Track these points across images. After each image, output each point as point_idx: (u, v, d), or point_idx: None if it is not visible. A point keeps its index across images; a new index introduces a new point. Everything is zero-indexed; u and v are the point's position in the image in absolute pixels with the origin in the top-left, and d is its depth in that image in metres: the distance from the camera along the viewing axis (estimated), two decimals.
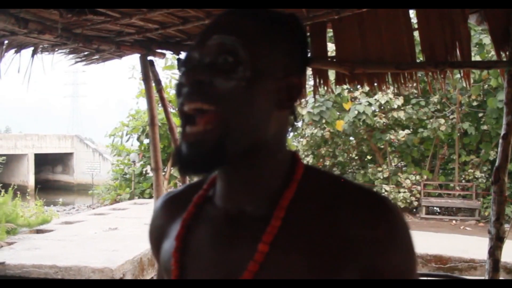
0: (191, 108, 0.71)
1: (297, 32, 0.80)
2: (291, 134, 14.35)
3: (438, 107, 12.72)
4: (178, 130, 3.21)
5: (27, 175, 25.89)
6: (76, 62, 3.16)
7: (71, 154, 28.34)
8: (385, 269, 0.71)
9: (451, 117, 12.49)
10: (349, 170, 14.55)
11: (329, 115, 12.13)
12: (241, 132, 0.71)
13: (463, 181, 12.82)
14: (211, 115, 0.70)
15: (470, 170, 12.64)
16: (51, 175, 29.41)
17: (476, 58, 9.66)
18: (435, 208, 13.09)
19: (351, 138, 13.86)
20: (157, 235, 0.90)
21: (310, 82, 4.96)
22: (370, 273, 0.70)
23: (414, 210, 12.92)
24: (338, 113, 12.73)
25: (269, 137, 0.76)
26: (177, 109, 0.74)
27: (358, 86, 10.86)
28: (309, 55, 0.82)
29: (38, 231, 7.45)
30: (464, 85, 2.93)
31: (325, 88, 3.05)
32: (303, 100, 3.41)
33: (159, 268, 0.93)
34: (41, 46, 2.79)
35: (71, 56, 3.06)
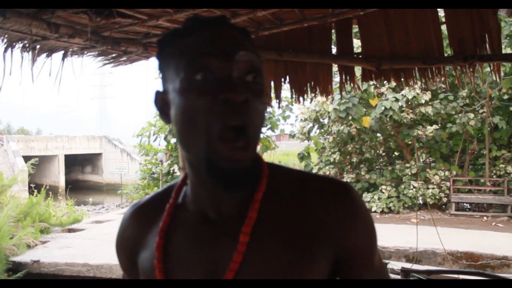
0: (236, 126, 0.72)
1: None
2: (317, 131, 14.28)
3: (467, 101, 12.45)
4: None
5: (58, 175, 26.52)
6: (104, 64, 3.22)
7: (100, 154, 28.89)
8: (354, 240, 0.80)
9: (480, 111, 12.20)
10: (377, 167, 14.38)
11: (356, 112, 12.00)
12: (256, 149, 0.77)
13: (494, 176, 12.51)
14: (251, 135, 0.73)
15: (501, 165, 12.33)
16: (81, 175, 30.04)
17: (507, 50, 9.42)
18: (465, 204, 12.83)
19: (378, 134, 13.69)
20: (130, 246, 0.93)
21: (336, 79, 4.93)
22: (341, 245, 0.79)
23: (444, 206, 12.69)
24: (364, 110, 12.58)
25: None
26: (220, 121, 0.72)
27: (385, 82, 10.74)
28: None
29: (70, 230, 7.62)
30: (495, 78, 2.86)
31: (352, 84, 3.03)
32: (329, 97, 3.37)
33: (127, 276, 0.98)
34: (70, 49, 2.85)
35: (99, 58, 3.12)
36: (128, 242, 0.94)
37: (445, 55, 2.77)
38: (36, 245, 6.26)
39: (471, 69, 2.65)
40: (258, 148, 0.80)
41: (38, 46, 2.62)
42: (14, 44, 2.50)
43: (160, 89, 0.83)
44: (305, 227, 0.78)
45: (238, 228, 0.78)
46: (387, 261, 5.47)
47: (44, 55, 2.73)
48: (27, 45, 2.55)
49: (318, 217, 0.79)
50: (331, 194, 0.81)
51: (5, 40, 2.46)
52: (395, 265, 5.24)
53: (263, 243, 0.77)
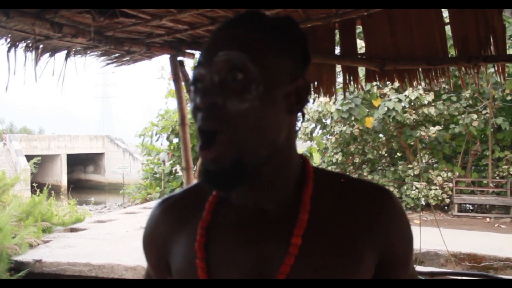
0: (209, 130, 0.72)
1: (295, 33, 0.80)
2: (320, 132, 14.28)
3: (470, 102, 12.42)
4: None
5: (60, 175, 26.56)
6: (107, 64, 3.22)
7: (102, 154, 28.92)
8: (396, 244, 0.82)
9: (483, 112, 12.16)
10: (379, 167, 14.37)
11: (358, 112, 11.99)
12: (257, 147, 0.73)
13: (497, 177, 12.48)
14: (225, 137, 0.71)
15: (504, 167, 12.30)
16: (83, 175, 30.08)
17: (511, 51, 9.39)
18: (467, 205, 12.80)
19: (381, 135, 13.67)
20: (161, 242, 0.89)
21: (339, 79, 4.92)
22: (385, 249, 0.80)
23: (446, 207, 12.66)
24: (367, 110, 12.56)
25: (282, 142, 0.78)
26: (196, 129, 0.75)
27: (388, 83, 10.72)
28: (309, 54, 0.82)
29: (72, 230, 7.63)
30: (499, 79, 2.85)
31: (355, 85, 3.02)
32: (332, 97, 3.36)
33: (154, 273, 0.96)
34: (74, 49, 2.85)
35: (102, 58, 3.12)
36: (159, 239, 0.90)
37: (449, 55, 2.76)
38: (38, 244, 6.27)
39: (475, 70, 2.64)
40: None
41: (41, 46, 2.62)
42: (17, 43, 2.50)
43: None
44: (352, 230, 0.78)
45: (288, 229, 0.77)
46: None
47: (47, 54, 2.73)
48: (30, 44, 2.55)
49: (363, 220, 0.79)
50: (375, 199, 0.82)
51: (8, 40, 2.46)
52: None
53: (313, 246, 0.76)
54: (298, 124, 0.82)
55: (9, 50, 2.47)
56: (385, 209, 0.81)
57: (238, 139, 0.71)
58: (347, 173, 13.54)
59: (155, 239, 0.92)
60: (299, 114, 0.81)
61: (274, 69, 0.74)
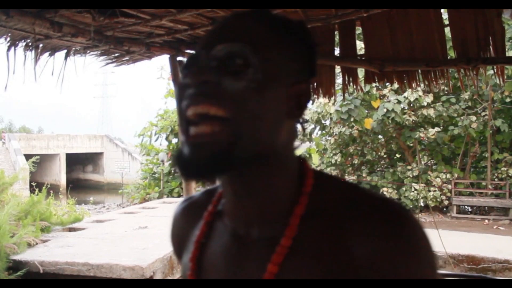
0: (196, 113, 0.65)
1: (304, 38, 0.76)
2: (319, 132, 14.29)
3: (469, 104, 12.45)
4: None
5: (59, 174, 26.57)
6: (107, 63, 3.22)
7: (101, 153, 28.93)
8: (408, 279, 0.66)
9: (482, 114, 12.19)
10: (378, 169, 14.39)
11: (358, 113, 12.01)
12: (251, 139, 0.66)
13: (496, 179, 12.51)
14: (218, 122, 0.64)
15: (503, 168, 12.33)
16: (82, 174, 30.09)
17: (510, 53, 9.40)
18: (466, 207, 12.83)
19: (380, 136, 13.70)
20: (178, 242, 0.91)
21: (338, 80, 4.92)
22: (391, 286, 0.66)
23: (445, 209, 12.69)
24: (366, 111, 12.59)
25: (278, 147, 0.71)
26: (178, 113, 0.69)
27: (387, 84, 10.75)
28: (316, 62, 0.78)
29: (71, 229, 7.62)
30: (498, 81, 2.85)
31: (354, 86, 3.02)
32: (331, 98, 3.35)
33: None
34: (73, 48, 2.85)
35: (102, 57, 3.12)
36: (176, 238, 0.93)
37: (449, 57, 2.76)
38: (37, 243, 6.26)
39: (474, 72, 2.64)
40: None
41: (41, 45, 2.62)
42: (17, 42, 2.50)
43: None
44: (343, 262, 0.66)
45: (269, 253, 0.70)
46: None
47: (47, 54, 2.73)
48: (30, 44, 2.54)
49: (363, 253, 0.66)
50: (382, 225, 0.66)
51: (8, 39, 2.46)
52: None
53: (293, 275, 0.68)
54: (298, 133, 0.76)
55: (8, 49, 2.47)
56: (398, 241, 0.65)
57: (231, 125, 0.64)
58: (346, 174, 13.54)
59: (174, 238, 0.94)
60: (299, 123, 0.76)
61: (275, 64, 0.69)
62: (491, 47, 2.54)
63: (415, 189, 12.22)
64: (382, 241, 0.65)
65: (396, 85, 2.99)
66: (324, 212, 0.71)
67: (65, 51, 2.82)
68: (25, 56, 2.56)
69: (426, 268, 0.67)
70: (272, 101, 0.68)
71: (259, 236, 0.73)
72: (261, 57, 0.67)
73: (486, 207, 12.22)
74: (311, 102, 0.78)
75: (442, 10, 2.74)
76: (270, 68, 0.68)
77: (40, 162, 12.12)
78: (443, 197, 12.29)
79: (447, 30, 2.69)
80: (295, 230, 0.69)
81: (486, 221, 11.35)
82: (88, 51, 2.93)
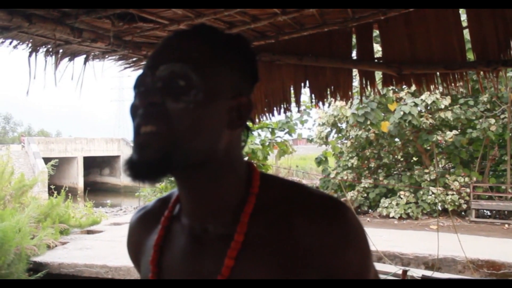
0: (145, 132, 0.73)
1: (244, 51, 0.82)
2: (335, 136, 14.23)
3: (488, 106, 12.27)
4: None
5: (76, 177, 26.86)
6: (125, 68, 3.26)
7: (117, 157, 29.18)
8: (344, 267, 0.76)
9: (502, 116, 12.01)
10: (395, 172, 14.26)
11: (374, 116, 11.92)
12: (186, 149, 0.73)
13: None
14: (160, 132, 0.72)
15: None
16: (99, 177, 30.38)
17: None
18: (485, 211, 12.63)
19: (397, 139, 13.57)
20: (134, 250, 0.95)
21: (354, 83, 4.91)
22: (331, 272, 0.75)
23: (463, 213, 12.51)
24: (383, 114, 12.49)
25: (220, 153, 0.78)
26: (132, 128, 0.76)
27: (404, 87, 10.65)
28: (257, 73, 0.84)
29: (89, 232, 7.70)
30: None
31: (372, 89, 3.01)
32: (348, 101, 3.35)
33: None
34: (92, 53, 2.89)
35: (120, 62, 3.16)
36: (132, 247, 0.96)
37: (467, 59, 2.73)
38: (56, 246, 6.34)
39: (494, 74, 2.61)
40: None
41: (61, 50, 2.66)
42: (38, 48, 2.55)
43: None
44: (293, 252, 0.75)
45: (224, 249, 0.77)
46: (407, 268, 5.40)
47: (66, 59, 2.77)
48: (50, 49, 2.59)
49: (307, 241, 0.75)
50: (321, 216, 0.76)
51: (29, 45, 2.51)
52: (415, 272, 5.18)
53: (248, 268, 0.75)
54: (243, 139, 0.83)
55: (30, 55, 2.52)
56: (333, 230, 0.75)
57: (172, 136, 0.72)
58: (362, 178, 13.45)
59: (130, 247, 0.97)
60: (243, 131, 0.82)
61: (216, 81, 0.76)
62: (511, 49, 2.51)
63: (433, 193, 12.06)
64: (323, 230, 0.75)
65: (413, 88, 2.97)
66: (271, 209, 0.79)
67: (84, 56, 2.86)
68: (46, 61, 2.61)
69: (360, 250, 0.78)
70: (211, 116, 0.75)
71: (214, 234, 0.80)
72: (202, 76, 0.74)
73: (506, 211, 12.01)
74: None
75: (460, 11, 2.71)
76: (211, 85, 0.75)
77: (58, 165, 12.29)
78: (462, 201, 12.11)
79: (465, 31, 2.66)
80: (246, 226, 0.77)
81: (506, 225, 11.15)
82: (106, 56, 2.97)
